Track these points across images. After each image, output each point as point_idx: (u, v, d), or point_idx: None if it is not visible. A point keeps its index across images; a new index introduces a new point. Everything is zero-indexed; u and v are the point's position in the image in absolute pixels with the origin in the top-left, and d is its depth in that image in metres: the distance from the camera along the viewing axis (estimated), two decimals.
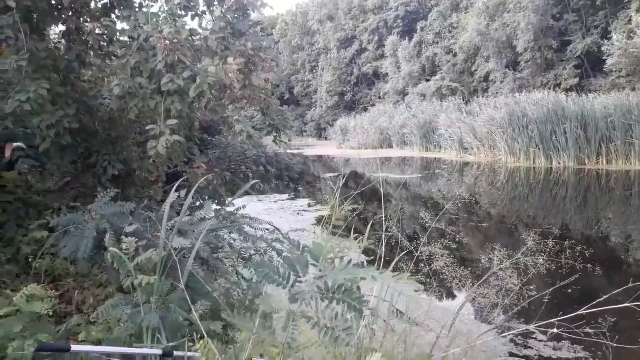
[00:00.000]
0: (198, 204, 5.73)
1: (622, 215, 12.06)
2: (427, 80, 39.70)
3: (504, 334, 4.07)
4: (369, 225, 3.56)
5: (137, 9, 4.22)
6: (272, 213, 12.23)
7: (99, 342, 2.83)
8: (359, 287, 2.05)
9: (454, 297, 5.88)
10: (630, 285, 3.20)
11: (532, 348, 4.84)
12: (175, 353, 2.40)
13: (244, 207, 4.90)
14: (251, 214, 5.38)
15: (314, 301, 1.76)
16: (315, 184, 18.81)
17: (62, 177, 4.84)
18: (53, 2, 4.23)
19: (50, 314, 2.89)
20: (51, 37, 4.62)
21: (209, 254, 3.48)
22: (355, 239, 3.43)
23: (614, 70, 24.71)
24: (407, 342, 2.91)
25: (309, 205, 13.99)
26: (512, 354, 4.66)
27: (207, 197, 6.03)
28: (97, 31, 4.06)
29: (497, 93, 31.08)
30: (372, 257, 3.45)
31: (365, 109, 45.36)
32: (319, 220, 10.17)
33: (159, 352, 2.36)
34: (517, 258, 3.46)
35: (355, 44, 50.97)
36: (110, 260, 2.67)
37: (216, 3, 4.35)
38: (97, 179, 4.67)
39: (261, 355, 2.16)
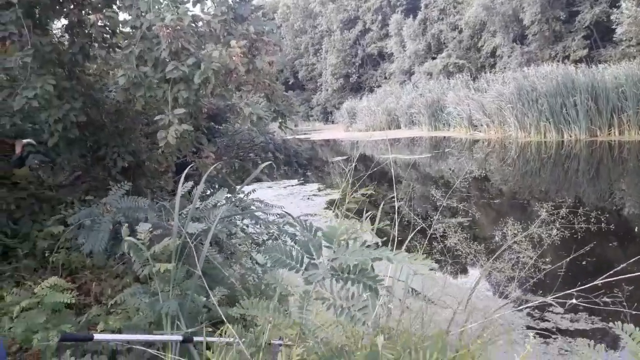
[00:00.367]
0: (208, 192, 5.76)
1: (636, 185, 11.90)
2: (433, 58, 39.15)
3: (520, 307, 4.07)
4: (380, 206, 3.55)
5: None
6: (282, 199, 12.24)
7: (118, 331, 2.87)
8: (373, 267, 2.05)
9: (468, 273, 5.88)
10: None
11: (549, 320, 4.85)
12: (195, 338, 2.43)
13: (253, 190, 4.91)
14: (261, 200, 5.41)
15: (328, 282, 1.76)
16: (323, 168, 18.79)
17: (73, 171, 4.87)
18: None
19: (70, 305, 2.95)
20: (54, 32, 4.61)
21: (226, 237, 3.49)
22: (370, 219, 3.42)
23: (624, 39, 24.09)
24: (424, 320, 2.92)
25: (319, 190, 13.98)
26: (529, 327, 4.67)
27: (217, 186, 6.06)
28: (99, 23, 4.04)
29: (504, 68, 30.54)
30: (385, 238, 3.44)
31: (372, 90, 44.91)
32: (330, 204, 10.17)
33: (179, 337, 2.40)
34: (531, 231, 3.44)
35: (358, 24, 50.27)
36: (127, 250, 2.69)
37: None
38: (107, 172, 4.70)
39: (280, 338, 2.18)
